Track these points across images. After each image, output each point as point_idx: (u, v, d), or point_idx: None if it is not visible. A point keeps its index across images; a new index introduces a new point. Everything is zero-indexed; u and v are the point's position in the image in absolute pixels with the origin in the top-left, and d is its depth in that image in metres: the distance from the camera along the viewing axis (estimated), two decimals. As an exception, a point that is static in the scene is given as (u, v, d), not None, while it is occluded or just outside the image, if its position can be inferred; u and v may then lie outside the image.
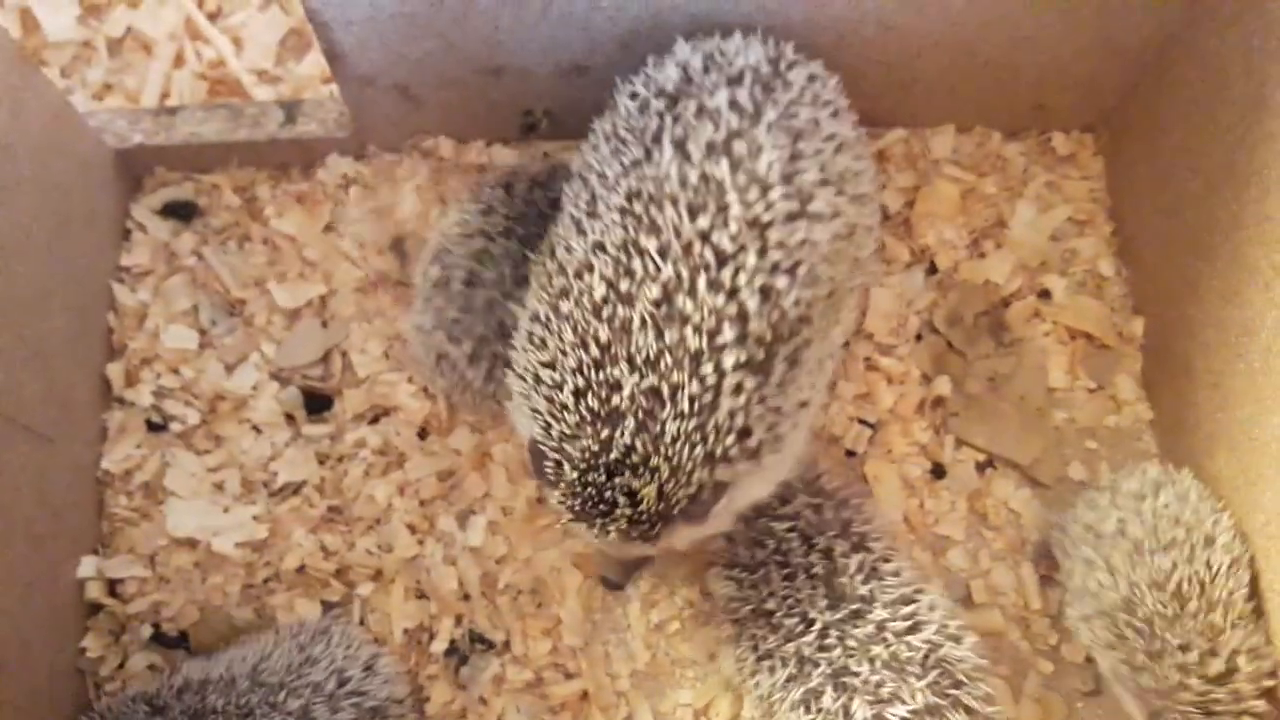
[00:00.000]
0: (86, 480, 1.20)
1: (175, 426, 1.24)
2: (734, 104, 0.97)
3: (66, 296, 1.20)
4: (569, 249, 0.98)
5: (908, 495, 1.23)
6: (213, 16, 1.46)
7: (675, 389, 0.89)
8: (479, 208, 1.19)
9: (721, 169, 0.94)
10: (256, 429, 1.24)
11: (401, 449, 1.23)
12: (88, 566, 1.16)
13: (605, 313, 0.92)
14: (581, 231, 0.98)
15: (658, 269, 0.91)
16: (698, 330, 0.90)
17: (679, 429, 0.89)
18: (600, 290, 0.93)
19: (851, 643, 1.00)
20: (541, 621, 1.18)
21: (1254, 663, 1.01)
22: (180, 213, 1.33)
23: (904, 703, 0.97)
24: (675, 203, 0.93)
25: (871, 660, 1.00)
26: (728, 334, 0.90)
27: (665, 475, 0.90)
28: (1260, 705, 1.01)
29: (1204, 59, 1.16)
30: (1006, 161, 1.36)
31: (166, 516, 1.19)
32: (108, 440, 1.23)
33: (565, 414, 0.92)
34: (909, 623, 1.01)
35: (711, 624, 1.19)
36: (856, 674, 0.99)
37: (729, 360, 0.90)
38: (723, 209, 0.93)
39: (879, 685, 0.98)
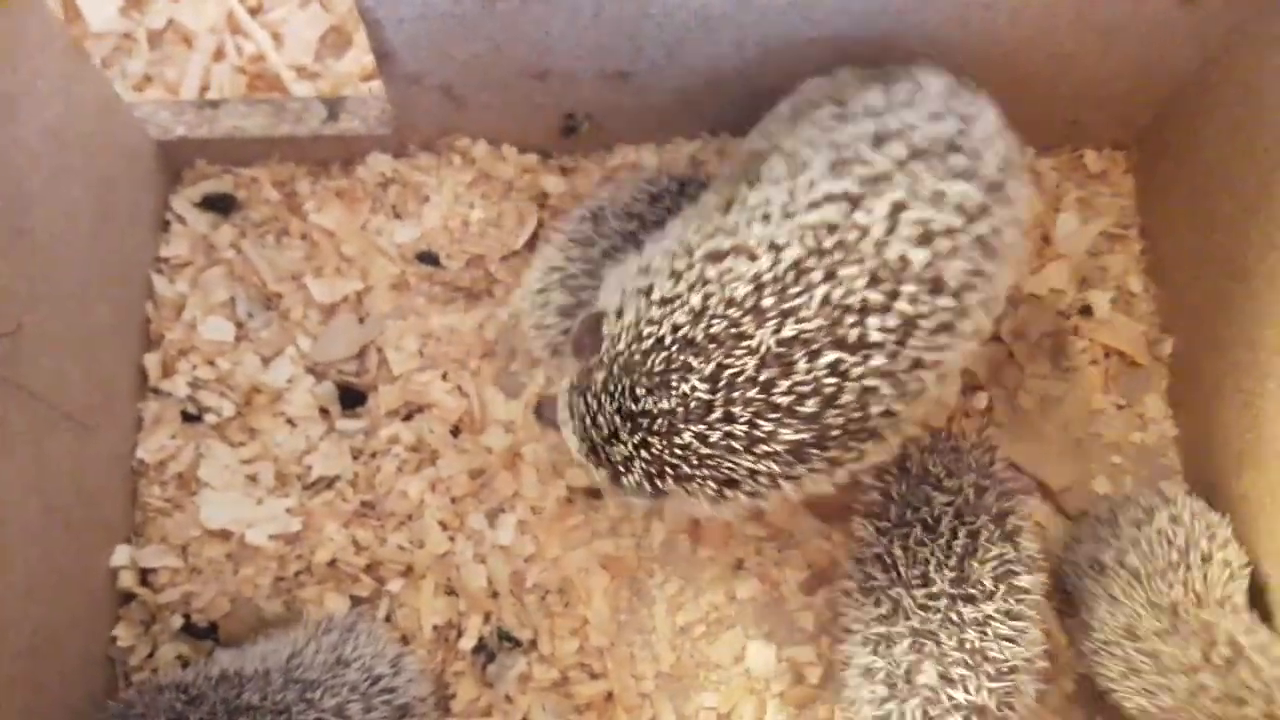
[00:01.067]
0: (121, 470, 1.21)
1: (210, 418, 1.24)
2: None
3: (108, 286, 1.21)
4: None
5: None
6: (254, 11, 1.47)
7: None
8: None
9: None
10: (291, 422, 1.25)
11: (434, 446, 1.24)
12: (121, 555, 1.17)
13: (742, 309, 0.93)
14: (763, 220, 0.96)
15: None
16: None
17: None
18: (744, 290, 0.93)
19: (954, 616, 1.02)
20: (569, 621, 1.19)
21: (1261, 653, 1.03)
22: (219, 206, 1.34)
23: (966, 693, 0.99)
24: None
25: (961, 641, 1.01)
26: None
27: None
28: None
29: (1243, 82, 1.17)
30: (1040, 176, 1.36)
31: (200, 507, 1.20)
32: (143, 430, 1.24)
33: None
34: (1013, 633, 1.02)
35: (738, 627, 1.20)
36: (941, 644, 1.02)
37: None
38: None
39: (954, 664, 1.01)
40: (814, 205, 0.93)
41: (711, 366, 0.92)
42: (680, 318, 0.94)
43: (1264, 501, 1.12)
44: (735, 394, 0.92)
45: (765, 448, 0.93)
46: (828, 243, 0.92)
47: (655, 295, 0.96)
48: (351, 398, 1.27)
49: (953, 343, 0.95)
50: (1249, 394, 1.16)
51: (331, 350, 1.28)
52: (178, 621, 1.17)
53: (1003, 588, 1.04)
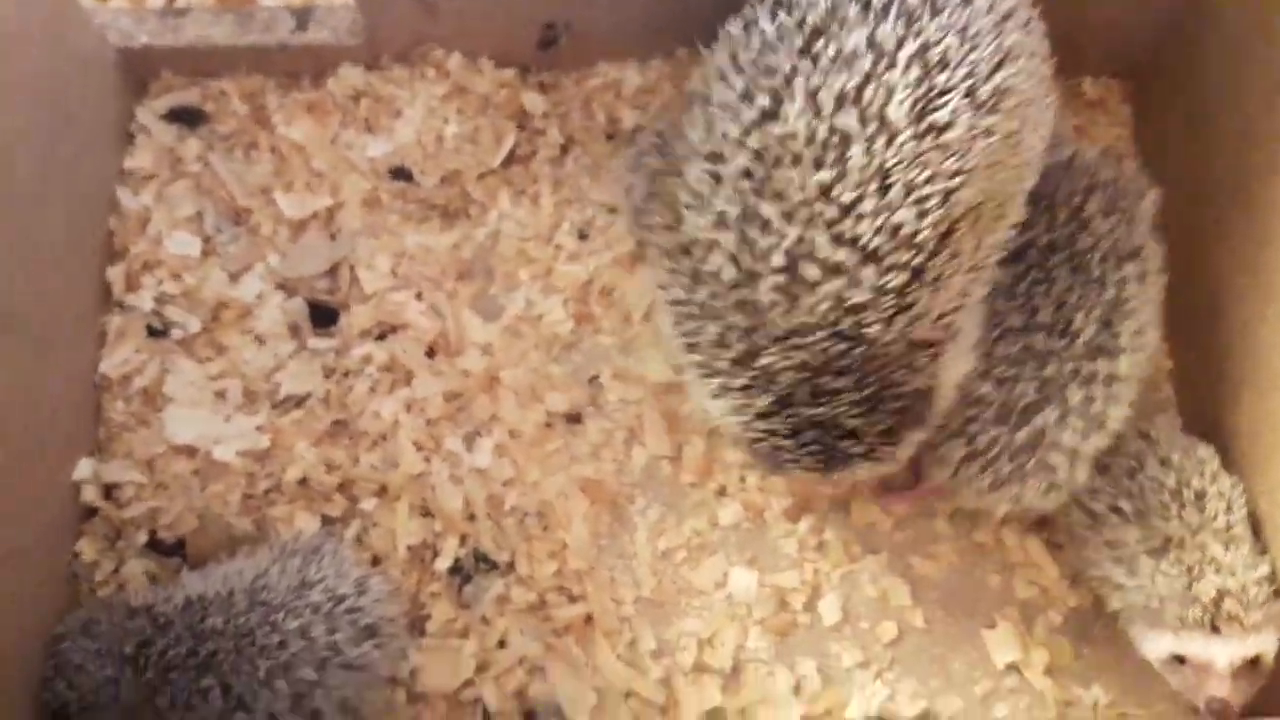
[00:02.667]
0: (84, 385, 1.17)
1: (176, 333, 1.20)
2: (872, 43, 0.92)
3: (67, 198, 1.16)
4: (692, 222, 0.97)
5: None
6: (221, -82, 1.41)
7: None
8: None
9: (850, 120, 0.90)
10: (260, 339, 1.21)
11: (409, 367, 1.21)
12: (84, 469, 1.13)
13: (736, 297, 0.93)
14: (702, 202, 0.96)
15: (780, 236, 0.90)
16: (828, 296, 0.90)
17: (846, 383, 0.92)
18: (729, 272, 0.93)
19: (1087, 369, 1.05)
20: (548, 544, 1.16)
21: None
22: (186, 118, 1.29)
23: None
24: (799, 160, 0.91)
25: (1088, 399, 1.06)
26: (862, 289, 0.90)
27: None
28: None
29: (1243, 6, 1.14)
30: (1035, 102, 1.33)
31: (165, 423, 1.16)
32: (106, 345, 1.19)
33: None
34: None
35: (720, 553, 1.17)
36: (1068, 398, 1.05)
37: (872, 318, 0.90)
38: (844, 160, 0.90)
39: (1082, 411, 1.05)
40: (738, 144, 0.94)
41: None
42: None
43: (1261, 431, 1.10)
44: None
45: None
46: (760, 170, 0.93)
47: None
48: (322, 316, 1.22)
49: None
50: (1247, 320, 1.13)
51: (302, 267, 1.24)
52: (143, 537, 1.13)
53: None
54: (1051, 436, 1.05)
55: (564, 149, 1.31)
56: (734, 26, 1.02)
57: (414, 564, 1.14)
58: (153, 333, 1.20)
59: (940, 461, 1.09)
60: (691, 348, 0.99)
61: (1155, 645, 1.04)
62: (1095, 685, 1.14)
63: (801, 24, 0.95)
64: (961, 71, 0.92)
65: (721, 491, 1.20)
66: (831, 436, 0.96)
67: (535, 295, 1.25)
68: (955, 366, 1.00)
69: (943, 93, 0.91)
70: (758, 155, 0.92)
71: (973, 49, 0.93)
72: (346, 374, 1.20)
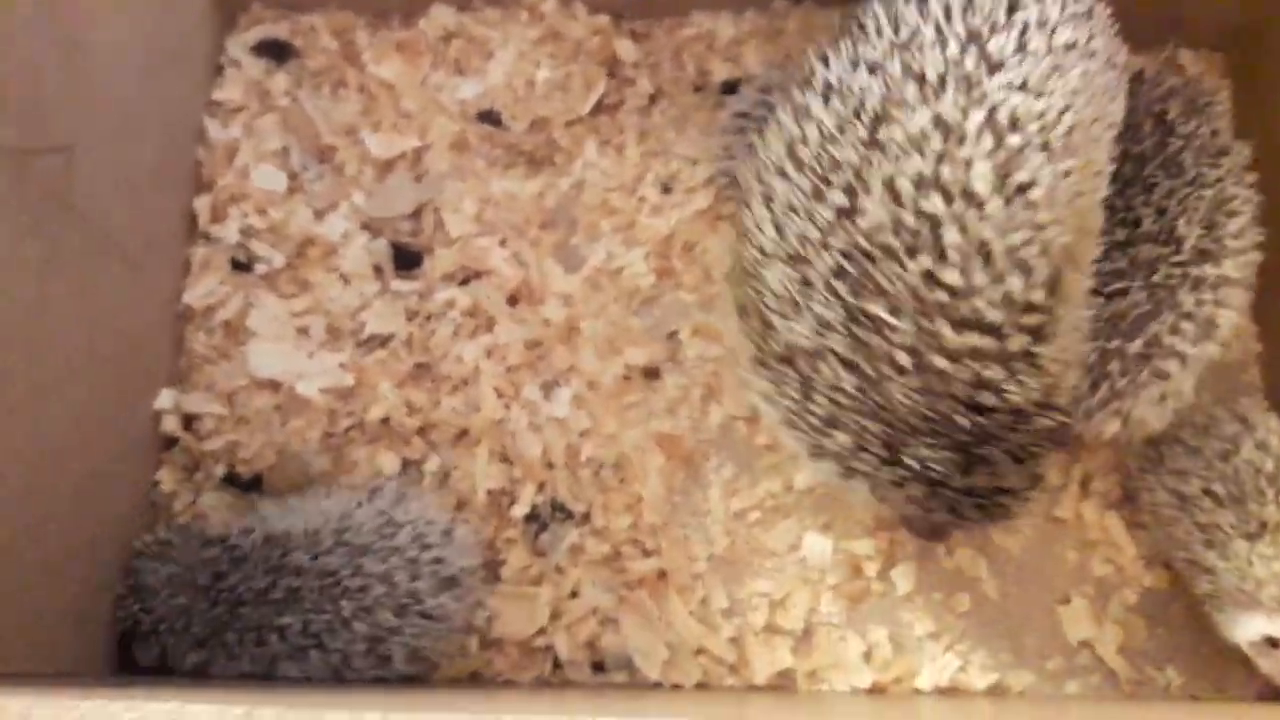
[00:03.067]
0: (168, 314, 1.17)
1: (260, 268, 1.20)
2: (938, 122, 0.90)
3: (159, 126, 1.17)
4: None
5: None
6: None
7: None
8: None
9: (936, 203, 0.88)
10: (344, 278, 1.21)
11: (491, 313, 1.20)
12: (165, 399, 1.13)
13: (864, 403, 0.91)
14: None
15: (895, 332, 0.88)
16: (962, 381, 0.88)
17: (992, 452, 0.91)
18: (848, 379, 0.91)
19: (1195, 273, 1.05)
20: (623, 497, 1.15)
21: None
22: (275, 52, 1.28)
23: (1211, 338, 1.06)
24: (892, 252, 0.88)
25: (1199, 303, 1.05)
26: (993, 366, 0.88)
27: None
28: None
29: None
30: (1137, 74, 1.30)
31: (248, 357, 1.16)
32: (190, 275, 1.19)
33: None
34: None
35: (794, 516, 1.16)
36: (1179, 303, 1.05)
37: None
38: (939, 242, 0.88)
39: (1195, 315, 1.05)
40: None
41: None
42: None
43: None
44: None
45: None
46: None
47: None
48: (406, 258, 1.22)
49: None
50: None
51: (387, 207, 1.23)
52: (221, 471, 1.13)
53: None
54: (1167, 343, 1.05)
55: (652, 99, 1.30)
56: (784, 115, 0.99)
57: (492, 509, 1.14)
58: (237, 266, 1.20)
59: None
60: (819, 453, 0.96)
61: (1248, 628, 1.02)
62: (1169, 667, 1.13)
63: (859, 112, 0.92)
64: (1033, 127, 0.90)
65: (796, 455, 1.19)
66: (990, 499, 0.94)
67: (617, 247, 1.24)
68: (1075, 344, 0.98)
69: (1019, 150, 0.89)
70: (845, 254, 0.89)
71: (1038, 97, 0.91)
72: (429, 317, 1.20)
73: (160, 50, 1.16)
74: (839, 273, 0.89)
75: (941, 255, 0.87)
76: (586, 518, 1.15)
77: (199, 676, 1.00)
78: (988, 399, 0.88)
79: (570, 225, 1.25)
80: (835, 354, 0.90)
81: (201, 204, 1.21)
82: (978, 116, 0.88)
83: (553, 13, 1.28)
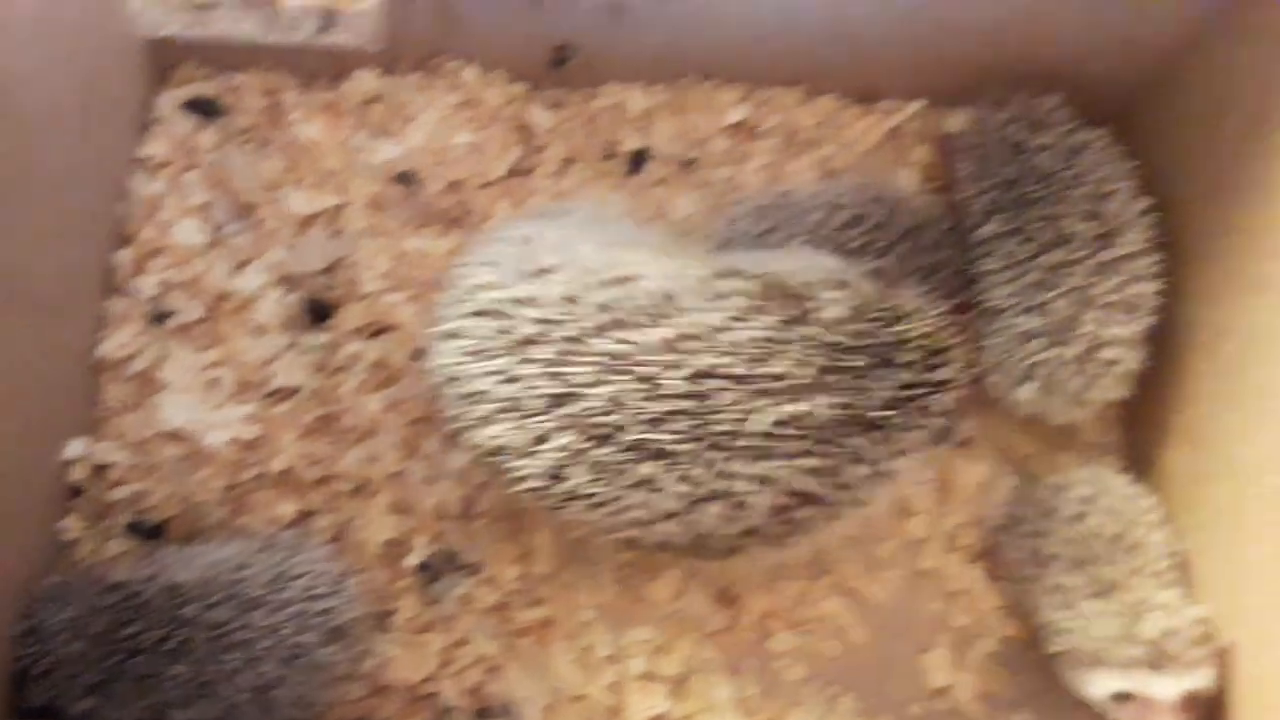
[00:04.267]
0: (81, 365, 1.21)
1: (176, 320, 1.25)
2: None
3: (85, 180, 1.21)
4: None
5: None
6: (254, -83, 1.45)
7: None
8: None
9: None
10: (257, 330, 1.26)
11: (396, 366, 1.25)
12: (76, 448, 1.17)
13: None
14: None
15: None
16: None
17: None
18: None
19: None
20: (515, 548, 1.20)
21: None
22: (204, 109, 1.33)
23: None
24: None
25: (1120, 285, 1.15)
26: None
27: None
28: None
29: (1217, 69, 1.19)
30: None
31: (158, 408, 1.21)
32: (107, 327, 1.24)
33: None
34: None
35: (677, 566, 1.22)
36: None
37: None
38: None
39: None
40: None
41: None
42: None
43: (1194, 476, 1.18)
44: None
45: None
46: None
47: None
48: (319, 311, 1.27)
49: None
50: (1186, 372, 1.20)
51: (303, 263, 1.28)
52: (126, 518, 1.17)
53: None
54: (1101, 335, 1.13)
55: (564, 165, 1.36)
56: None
57: (386, 560, 1.19)
58: (154, 318, 1.24)
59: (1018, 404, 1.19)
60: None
61: (1101, 685, 1.08)
62: (1025, 710, 1.19)
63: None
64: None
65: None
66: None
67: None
68: None
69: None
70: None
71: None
72: (337, 370, 1.25)
73: (91, 107, 1.20)
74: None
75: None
76: (479, 568, 1.20)
77: (87, 722, 1.02)
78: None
79: (481, 284, 1.31)
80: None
81: (122, 257, 1.25)
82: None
83: (472, 80, 1.34)
